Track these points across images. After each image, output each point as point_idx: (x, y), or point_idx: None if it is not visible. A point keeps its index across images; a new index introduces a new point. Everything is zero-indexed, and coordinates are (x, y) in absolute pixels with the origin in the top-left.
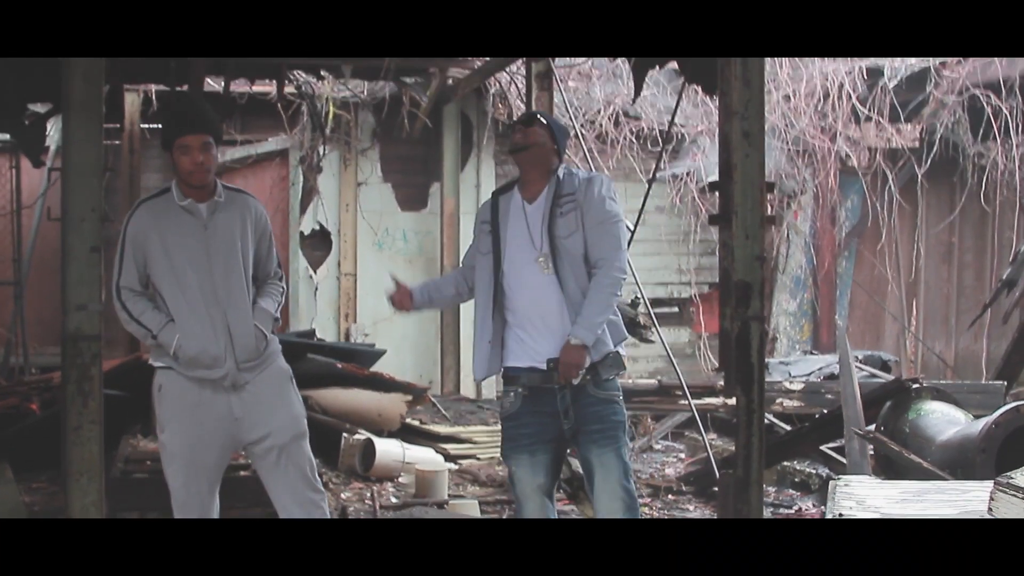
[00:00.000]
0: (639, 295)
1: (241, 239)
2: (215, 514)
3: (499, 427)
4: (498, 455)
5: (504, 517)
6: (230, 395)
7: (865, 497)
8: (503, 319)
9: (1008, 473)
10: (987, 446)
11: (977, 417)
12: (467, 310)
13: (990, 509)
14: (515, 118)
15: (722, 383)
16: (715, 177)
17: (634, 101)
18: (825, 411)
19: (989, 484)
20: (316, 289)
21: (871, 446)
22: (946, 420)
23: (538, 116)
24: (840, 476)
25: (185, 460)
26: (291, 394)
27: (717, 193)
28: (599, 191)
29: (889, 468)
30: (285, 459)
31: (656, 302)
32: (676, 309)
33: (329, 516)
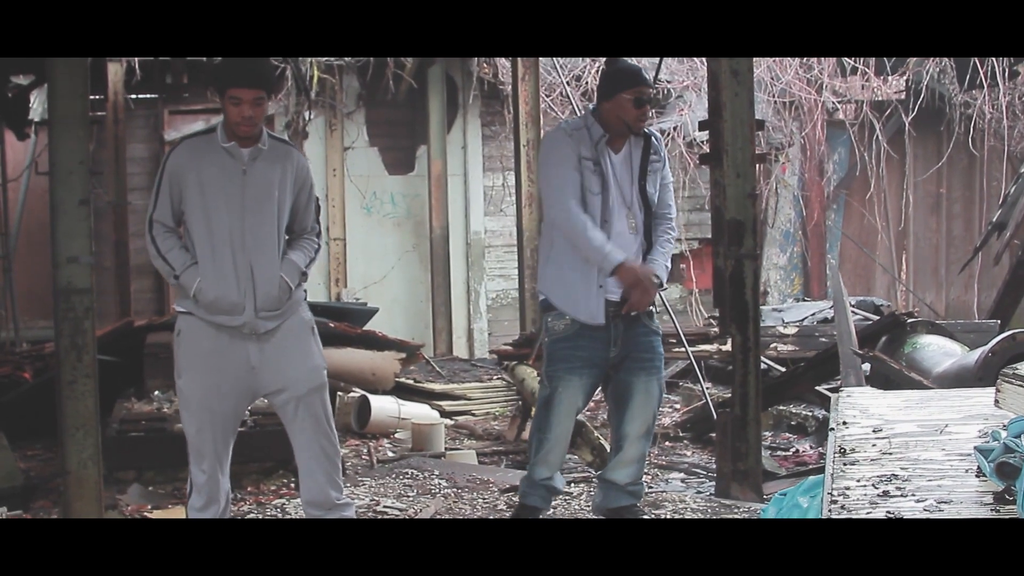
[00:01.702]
0: None
1: (279, 189)
2: (227, 465)
3: (493, 384)
4: (493, 410)
5: (503, 468)
6: (248, 343)
7: (868, 406)
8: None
9: (1013, 365)
10: (984, 374)
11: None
12: (457, 270)
13: (996, 402)
14: (638, 80)
15: (716, 330)
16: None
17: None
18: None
19: (991, 388)
20: None
21: (867, 372)
22: (942, 352)
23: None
24: (843, 388)
25: (201, 406)
26: (311, 345)
27: (707, 132)
28: (666, 154)
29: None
30: (303, 411)
31: None
32: None
33: (340, 467)
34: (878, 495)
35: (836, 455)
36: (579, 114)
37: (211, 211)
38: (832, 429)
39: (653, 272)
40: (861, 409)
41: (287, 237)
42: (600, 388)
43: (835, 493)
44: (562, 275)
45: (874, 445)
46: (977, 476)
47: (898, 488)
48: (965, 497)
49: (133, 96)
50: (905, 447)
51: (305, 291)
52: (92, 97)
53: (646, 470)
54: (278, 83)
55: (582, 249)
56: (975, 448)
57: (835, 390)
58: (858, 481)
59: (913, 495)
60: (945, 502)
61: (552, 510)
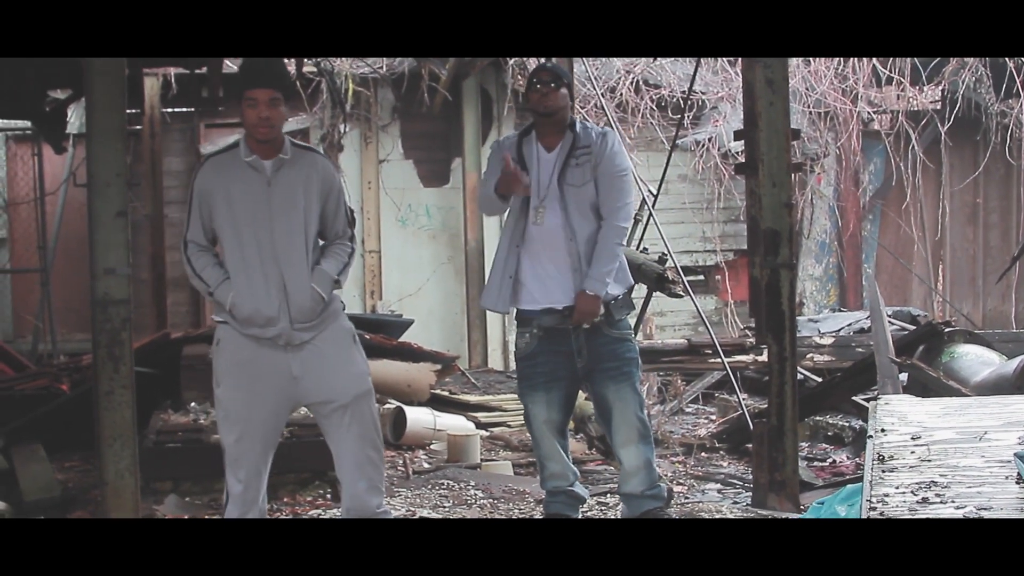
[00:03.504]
0: (666, 251)
1: (305, 197)
2: (265, 476)
3: None
4: None
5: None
6: (288, 354)
7: (907, 413)
8: (520, 259)
9: None
10: (1023, 383)
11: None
12: None
13: None
14: (538, 69)
15: (752, 341)
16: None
17: (654, 59)
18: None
19: None
20: None
21: (904, 382)
22: (980, 361)
23: (562, 78)
24: (880, 396)
25: (239, 416)
26: (354, 353)
27: (743, 142)
28: (612, 146)
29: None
30: (349, 418)
31: (681, 270)
32: (702, 277)
33: (384, 475)
34: (917, 502)
35: (875, 462)
36: (610, 125)
37: (240, 226)
38: (870, 436)
39: (586, 287)
40: (899, 416)
41: (320, 243)
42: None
43: (874, 500)
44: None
45: (913, 452)
46: (1017, 483)
47: (937, 495)
48: (1005, 503)
49: (169, 110)
50: (944, 454)
51: (343, 302)
52: (129, 111)
53: (681, 481)
54: (290, 87)
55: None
56: (1015, 455)
57: (872, 400)
58: (897, 488)
59: (952, 502)
60: (985, 508)
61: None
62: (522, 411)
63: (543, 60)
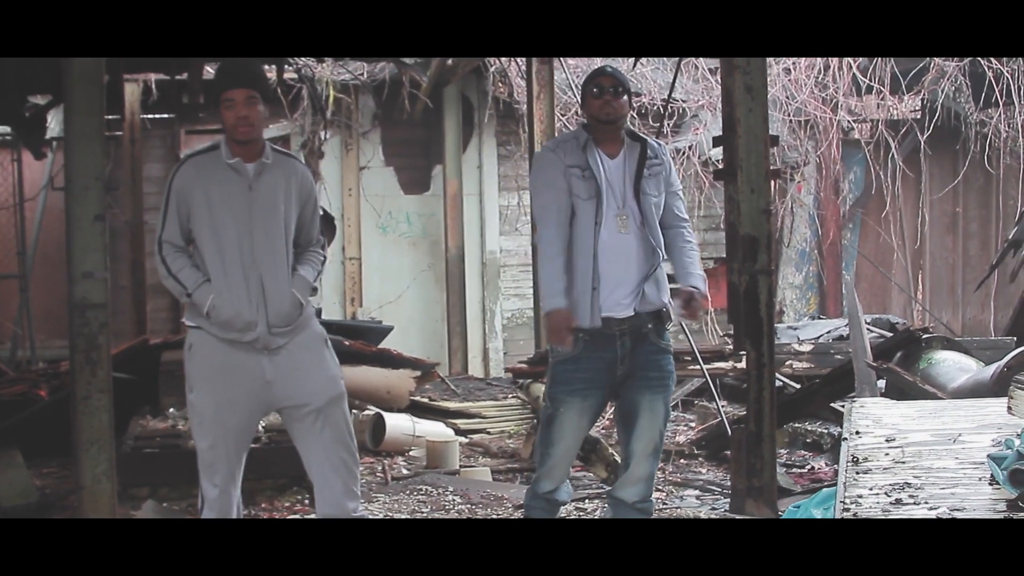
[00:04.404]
0: None
1: (284, 202)
2: (239, 480)
3: (508, 402)
4: (507, 429)
5: (517, 484)
6: (262, 357)
7: (881, 416)
8: (599, 269)
9: None
10: (999, 389)
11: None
12: (473, 289)
13: (1009, 408)
14: (597, 73)
15: (731, 347)
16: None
17: (633, 66)
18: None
19: (1004, 398)
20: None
21: (882, 389)
22: (957, 368)
23: (624, 83)
24: (855, 399)
25: (213, 421)
26: (327, 357)
27: (721, 148)
28: (671, 161)
29: None
30: (322, 422)
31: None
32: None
33: (359, 479)
34: (891, 503)
35: (849, 464)
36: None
37: (220, 229)
38: (845, 439)
39: (693, 285)
40: (874, 419)
41: (294, 250)
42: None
43: (847, 501)
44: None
45: (887, 454)
46: (990, 484)
47: (911, 496)
48: (978, 504)
49: (149, 116)
50: (918, 456)
51: (315, 307)
52: (109, 117)
53: (660, 487)
54: (267, 87)
55: (539, 274)
56: (988, 456)
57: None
58: (871, 489)
59: (926, 503)
60: (958, 510)
61: None
62: (501, 418)
63: (600, 63)
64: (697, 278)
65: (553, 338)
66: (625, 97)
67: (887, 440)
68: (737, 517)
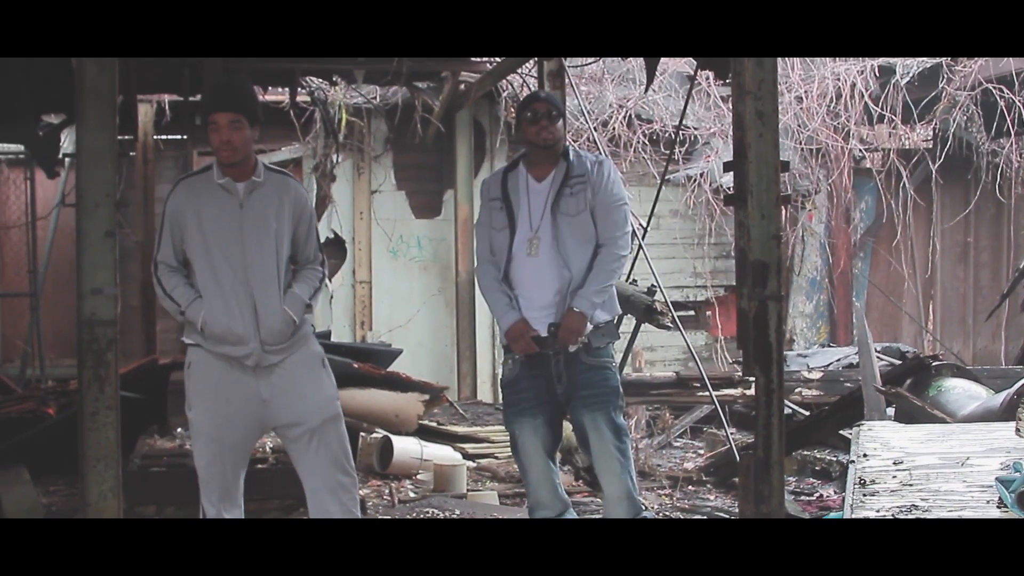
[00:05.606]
0: (655, 283)
1: (276, 220)
2: (240, 497)
3: None
4: None
5: (524, 508)
6: (258, 376)
7: (889, 439)
8: (514, 289)
9: None
10: (1009, 417)
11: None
12: (482, 315)
13: (1018, 431)
14: (531, 99)
15: (740, 374)
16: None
17: (647, 90)
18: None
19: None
20: (331, 297)
21: (891, 416)
22: (967, 395)
23: (558, 108)
24: (863, 422)
25: (211, 438)
26: (323, 377)
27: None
28: (608, 175)
29: None
30: (317, 442)
31: (672, 306)
32: (692, 312)
33: (358, 501)
34: None
35: (856, 486)
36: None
37: (211, 248)
38: (852, 461)
39: (574, 305)
40: (882, 442)
41: (292, 268)
42: None
43: None
44: None
45: (895, 477)
46: (998, 507)
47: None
48: None
49: (162, 137)
50: (926, 479)
51: (313, 325)
52: (122, 137)
53: (667, 513)
54: (254, 110)
55: (488, 306)
56: (996, 479)
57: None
58: (877, 511)
59: None
60: None
61: None
62: (510, 444)
63: (533, 89)
64: (582, 300)
65: (517, 348)
66: (560, 122)
67: (895, 463)
68: (737, 517)
